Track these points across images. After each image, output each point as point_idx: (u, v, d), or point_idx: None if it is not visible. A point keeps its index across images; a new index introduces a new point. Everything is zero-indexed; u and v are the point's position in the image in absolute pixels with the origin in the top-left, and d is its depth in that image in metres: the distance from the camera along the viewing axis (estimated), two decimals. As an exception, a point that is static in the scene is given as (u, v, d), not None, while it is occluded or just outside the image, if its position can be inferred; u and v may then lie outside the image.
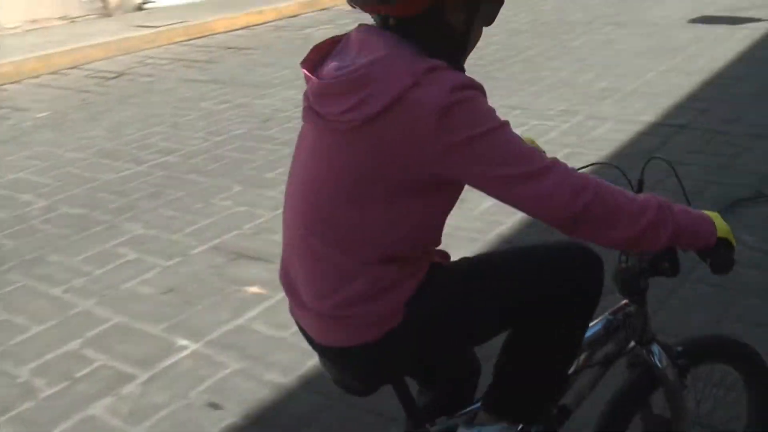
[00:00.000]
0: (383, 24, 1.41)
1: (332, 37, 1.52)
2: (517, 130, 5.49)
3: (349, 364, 1.50)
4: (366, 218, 1.37)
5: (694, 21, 8.79)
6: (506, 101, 6.25)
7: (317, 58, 1.48)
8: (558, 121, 5.68)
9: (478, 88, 1.32)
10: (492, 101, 1.44)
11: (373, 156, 1.32)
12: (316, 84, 1.38)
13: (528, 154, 1.32)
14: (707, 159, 4.76)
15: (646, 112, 5.73)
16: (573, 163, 4.80)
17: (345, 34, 1.49)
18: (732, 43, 7.65)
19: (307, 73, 1.43)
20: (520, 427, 1.70)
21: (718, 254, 1.51)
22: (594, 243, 1.42)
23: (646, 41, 8.00)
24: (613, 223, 1.35)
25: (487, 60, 7.59)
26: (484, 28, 1.48)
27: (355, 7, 1.44)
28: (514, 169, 1.29)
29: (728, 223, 1.61)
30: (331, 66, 1.40)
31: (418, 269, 1.45)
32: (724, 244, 1.52)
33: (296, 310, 1.55)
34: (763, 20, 8.54)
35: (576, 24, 9.13)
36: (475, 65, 7.20)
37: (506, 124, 1.33)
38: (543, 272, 1.55)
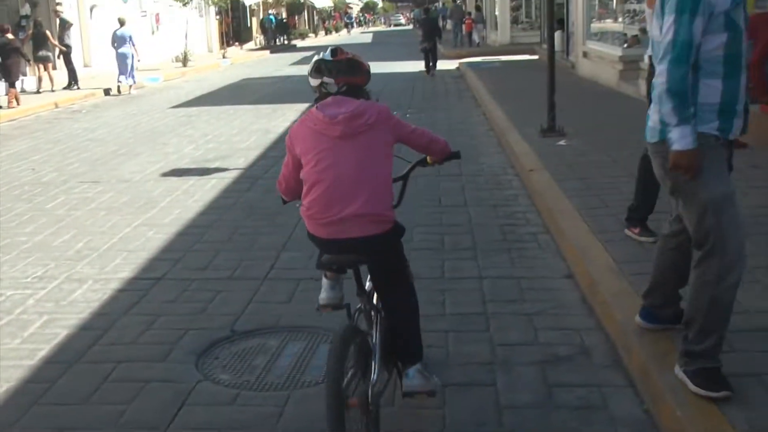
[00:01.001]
0: (339, 91, 3.31)
1: (316, 108, 3.33)
2: (-16, 305, 5.24)
3: (366, 245, 3.23)
4: (383, 166, 3.32)
5: (167, 174, 9.44)
6: (-30, 274, 5.91)
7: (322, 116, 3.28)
8: (35, 288, 5.56)
9: None
10: None
11: (373, 131, 3.25)
12: (341, 117, 3.21)
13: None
14: (183, 307, 5.09)
15: (122, 269, 5.93)
16: (50, 329, 4.75)
17: (319, 103, 3.35)
18: (202, 193, 8.38)
19: (323, 117, 3.25)
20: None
21: None
22: None
23: (122, 197, 8.33)
24: None
25: (-54, 231, 7.12)
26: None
27: (320, 79, 3.33)
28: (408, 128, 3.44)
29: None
30: (332, 112, 3.25)
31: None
32: None
33: (339, 232, 3.23)
34: (229, 169, 9.55)
35: (50, 184, 9.11)
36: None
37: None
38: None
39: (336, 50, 3.38)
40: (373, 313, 3.42)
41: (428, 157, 3.75)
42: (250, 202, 7.91)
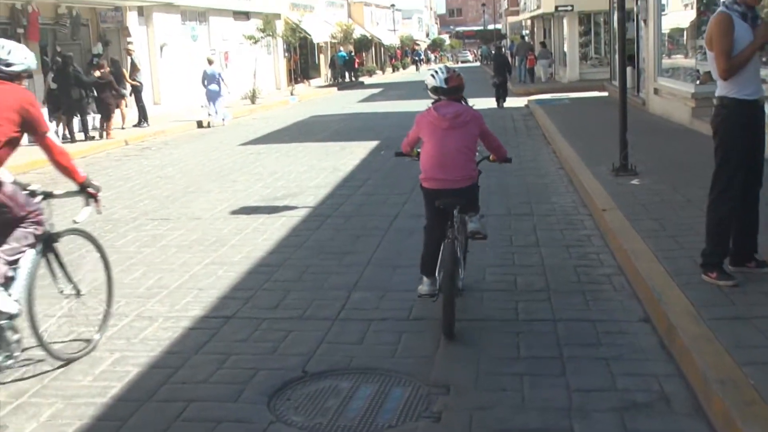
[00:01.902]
0: (445, 94, 5.49)
1: (433, 106, 5.45)
2: (63, 339, 5.38)
3: (460, 193, 5.31)
4: (471, 147, 5.44)
5: (236, 212, 9.62)
6: (49, 310, 6.08)
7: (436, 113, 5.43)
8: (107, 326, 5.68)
9: None
10: None
11: (467, 125, 5.38)
12: (448, 114, 5.37)
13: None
14: (254, 346, 5.16)
15: (193, 307, 6.04)
16: (121, 366, 4.84)
17: (435, 104, 5.46)
18: (271, 231, 8.50)
19: (437, 113, 5.37)
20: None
21: None
22: None
23: (191, 235, 8.51)
24: None
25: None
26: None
27: (437, 96, 5.49)
28: None
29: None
30: (443, 111, 5.40)
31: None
32: None
33: (443, 183, 5.34)
34: (298, 207, 9.68)
35: (120, 221, 9.37)
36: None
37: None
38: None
39: (448, 79, 5.48)
40: (458, 238, 5.43)
41: (491, 156, 5.93)
42: (320, 241, 8.00)
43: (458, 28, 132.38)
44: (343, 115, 24.16)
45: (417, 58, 70.16)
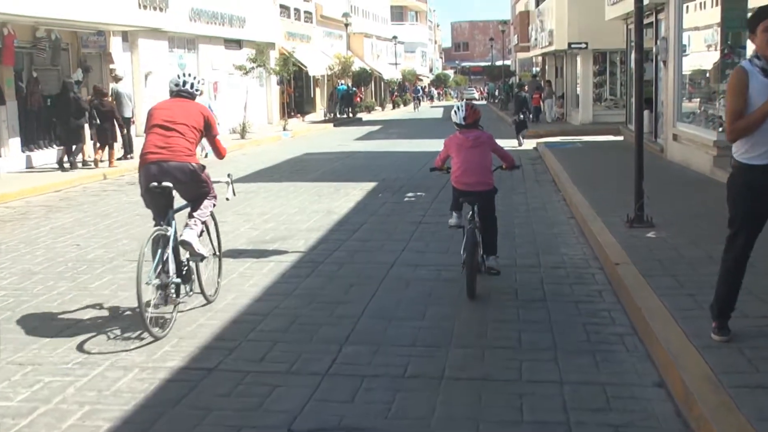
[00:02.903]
0: (467, 126, 7.97)
1: (458, 131, 7.96)
2: (28, 390, 5.37)
3: (480, 195, 7.73)
4: (488, 161, 7.85)
5: (221, 255, 9.60)
6: (15, 357, 6.08)
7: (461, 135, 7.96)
8: (76, 375, 5.68)
9: None
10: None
11: (483, 144, 7.84)
12: (471, 137, 7.86)
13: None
14: (237, 402, 5.15)
15: (172, 357, 6.04)
16: (91, 420, 4.83)
17: (461, 132, 7.94)
18: (258, 277, 8.52)
19: (462, 136, 7.87)
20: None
21: None
22: None
23: (173, 279, 8.50)
24: None
25: (-10, 308, 7.37)
26: None
27: (461, 127, 7.95)
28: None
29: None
30: (467, 135, 7.88)
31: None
32: None
33: (468, 186, 7.76)
34: (288, 252, 9.70)
35: (96, 262, 9.38)
36: (-26, 316, 6.91)
37: None
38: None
39: (466, 117, 7.90)
40: (477, 227, 7.69)
41: (503, 165, 8.20)
42: (311, 290, 8.02)
43: (464, 64, 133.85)
44: (339, 153, 24.31)
45: (416, 95, 67.36)
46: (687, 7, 17.51)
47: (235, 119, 29.67)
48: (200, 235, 7.16)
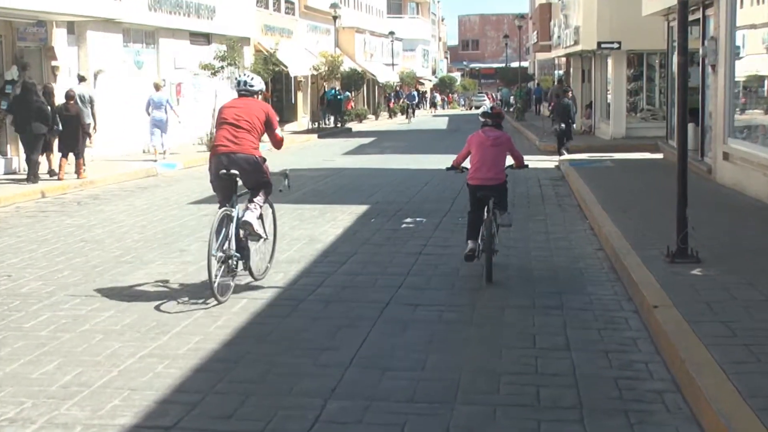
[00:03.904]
0: (490, 123, 10.79)
1: (481, 129, 10.73)
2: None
3: (494, 188, 10.36)
4: (503, 159, 10.66)
5: (183, 290, 9.62)
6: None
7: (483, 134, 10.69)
8: (6, 433, 5.65)
9: None
10: None
11: (502, 145, 10.63)
12: (492, 137, 10.56)
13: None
14: (200, 468, 5.12)
15: (122, 413, 6.02)
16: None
17: (484, 129, 10.69)
18: (228, 317, 8.51)
19: (484, 135, 10.56)
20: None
21: None
22: None
23: (123, 318, 8.51)
24: None
25: None
26: None
27: (485, 121, 10.78)
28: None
29: None
30: (489, 134, 10.58)
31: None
32: None
33: (484, 181, 10.38)
34: (264, 287, 9.69)
35: (31, 296, 9.36)
36: None
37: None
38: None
39: (492, 107, 11.25)
40: (494, 219, 10.14)
41: (514, 164, 10.86)
42: (290, 333, 8.01)
43: (473, 65, 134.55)
44: (324, 170, 24.36)
45: (411, 102, 63.78)
46: (741, 0, 17.57)
47: (201, 128, 29.67)
48: (259, 218, 9.64)
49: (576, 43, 36.53)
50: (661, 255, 10.30)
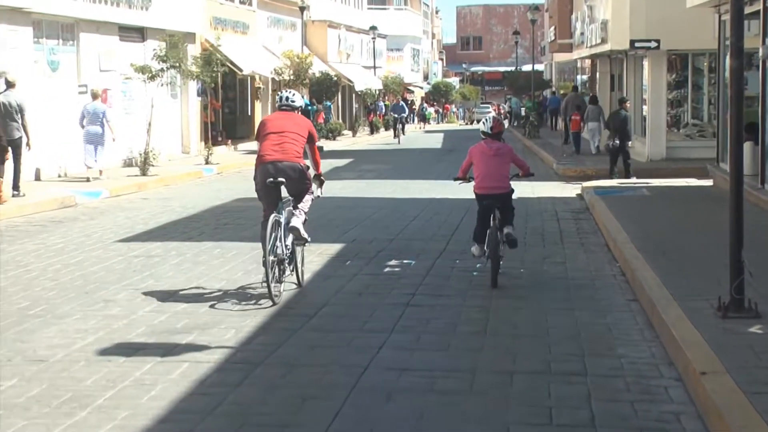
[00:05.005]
0: (490, 136, 13.85)
1: (483, 141, 13.90)
2: None
3: (499, 197, 13.46)
4: (506, 169, 14.00)
5: (107, 352, 9.56)
6: None
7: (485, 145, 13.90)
8: None
9: None
10: None
11: (504, 155, 13.85)
12: (493, 147, 13.58)
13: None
14: None
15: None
16: None
17: (485, 140, 13.76)
18: (164, 386, 8.46)
19: (486, 146, 13.64)
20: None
21: None
22: None
23: (31, 388, 8.45)
24: None
25: None
26: None
27: (485, 137, 13.83)
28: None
29: None
30: (490, 145, 13.64)
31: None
32: None
33: (489, 190, 13.48)
34: (210, 348, 9.66)
35: None
36: None
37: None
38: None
39: (492, 126, 13.60)
40: (499, 227, 13.19)
41: (520, 172, 14.14)
42: (243, 405, 7.99)
43: (475, 68, 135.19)
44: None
45: (398, 116, 59.61)
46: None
47: (133, 145, 29.58)
48: (304, 223, 12.23)
49: (603, 41, 36.72)
50: (711, 308, 10.32)
